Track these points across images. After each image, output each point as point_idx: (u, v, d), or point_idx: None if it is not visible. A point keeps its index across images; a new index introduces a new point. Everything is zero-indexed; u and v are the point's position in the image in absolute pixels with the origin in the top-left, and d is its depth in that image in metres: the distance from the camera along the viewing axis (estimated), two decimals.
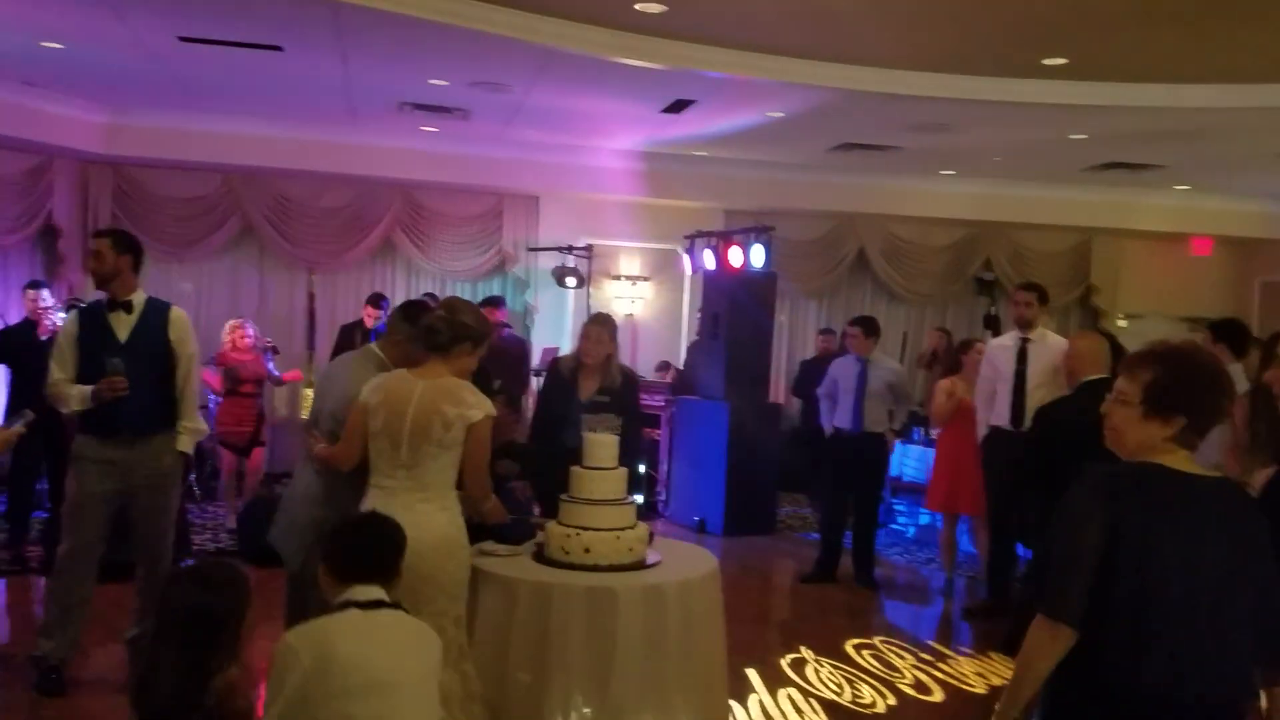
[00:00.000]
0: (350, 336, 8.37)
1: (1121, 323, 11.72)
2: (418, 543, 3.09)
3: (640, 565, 3.77)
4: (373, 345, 3.93)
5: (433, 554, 3.26)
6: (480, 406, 3.37)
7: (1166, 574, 2.11)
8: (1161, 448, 2.20)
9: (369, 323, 8.44)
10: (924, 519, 9.07)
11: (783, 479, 8.84)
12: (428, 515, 3.30)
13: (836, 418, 6.95)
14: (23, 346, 6.52)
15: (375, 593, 2.60)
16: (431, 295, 9.72)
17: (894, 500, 9.19)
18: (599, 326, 5.01)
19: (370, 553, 2.66)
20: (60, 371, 4.33)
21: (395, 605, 2.62)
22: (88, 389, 4.22)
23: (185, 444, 4.50)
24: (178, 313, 4.57)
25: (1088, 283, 11.90)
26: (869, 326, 7.04)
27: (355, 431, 3.44)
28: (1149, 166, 9.51)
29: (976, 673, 5.25)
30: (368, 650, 2.48)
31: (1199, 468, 2.24)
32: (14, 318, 7.69)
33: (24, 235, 9.13)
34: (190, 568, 2.51)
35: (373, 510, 3.01)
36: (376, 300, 8.61)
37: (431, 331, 3.45)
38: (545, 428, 5.04)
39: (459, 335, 3.45)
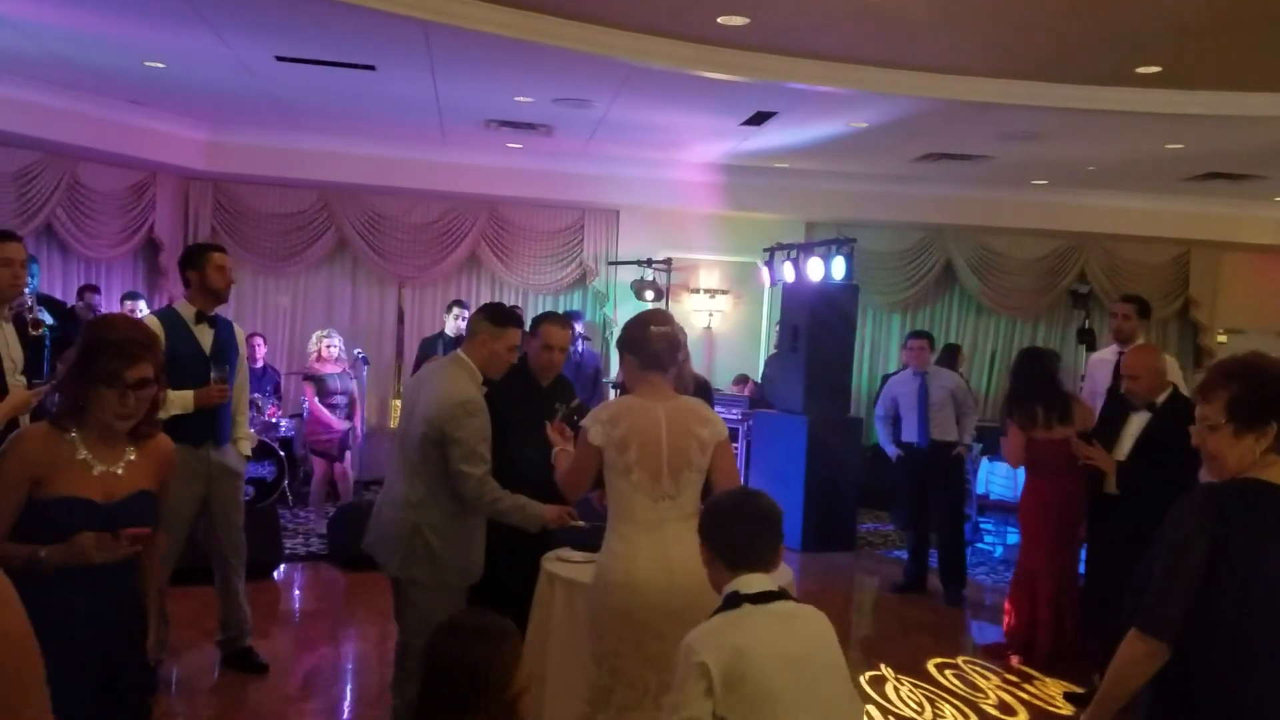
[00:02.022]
0: (433, 348, 8.52)
1: (1221, 338, 11.31)
2: (700, 572, 3.06)
3: None
4: (459, 352, 3.87)
5: (704, 584, 3.24)
6: (721, 421, 3.28)
7: (1271, 593, 2.06)
8: (1262, 461, 2.17)
9: (450, 330, 8.52)
10: (1012, 538, 8.86)
11: (864, 495, 8.74)
12: (695, 546, 3.23)
13: (904, 433, 6.94)
14: None
15: (764, 581, 2.34)
16: (516, 308, 9.87)
17: (980, 518, 9.01)
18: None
19: (763, 537, 2.38)
20: None
21: (783, 593, 2.36)
22: (188, 394, 4.41)
23: (246, 449, 4.92)
24: (238, 328, 5.00)
25: (1186, 296, 11.51)
26: (931, 340, 7.28)
27: (585, 468, 3.20)
28: (1250, 177, 9.17)
29: (1066, 694, 5.11)
30: (779, 649, 2.22)
31: None
32: None
33: (127, 248, 9.53)
34: (455, 621, 2.25)
35: (745, 489, 2.68)
36: (461, 305, 8.70)
37: (675, 348, 3.24)
38: None
39: (682, 346, 3.32)
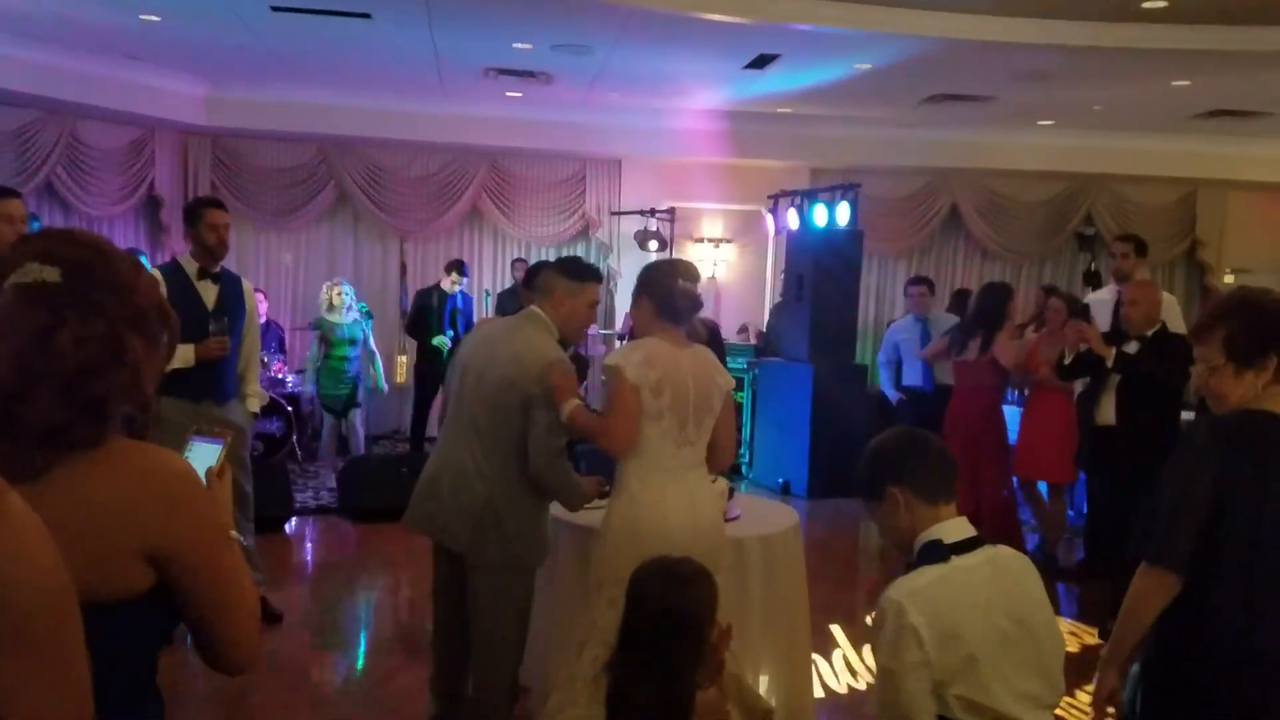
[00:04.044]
0: (428, 300, 8.52)
1: (1228, 278, 11.24)
2: (716, 517, 3.09)
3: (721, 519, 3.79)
4: (535, 309, 3.47)
5: (722, 527, 3.24)
6: (729, 374, 3.29)
7: (1278, 523, 2.08)
8: (1265, 394, 2.18)
9: (447, 287, 8.54)
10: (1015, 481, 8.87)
11: (869, 441, 8.74)
12: (711, 489, 3.22)
13: (906, 378, 6.97)
14: None
15: (964, 526, 2.16)
16: (521, 260, 9.87)
17: None
18: None
19: (944, 459, 2.22)
20: None
21: (978, 539, 2.18)
22: (188, 347, 4.42)
23: (254, 405, 4.89)
24: (248, 285, 4.91)
25: (1193, 236, 11.44)
26: (932, 285, 7.42)
27: (633, 411, 3.04)
28: (1256, 114, 9.07)
29: (1069, 632, 5.16)
30: (991, 603, 2.07)
31: None
32: None
33: (128, 206, 9.50)
34: (656, 564, 2.20)
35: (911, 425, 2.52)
36: (460, 267, 8.70)
37: (696, 307, 3.20)
38: None
39: (702, 304, 3.29)
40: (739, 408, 8.99)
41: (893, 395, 7.14)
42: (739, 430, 8.95)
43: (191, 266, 4.63)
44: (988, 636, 2.04)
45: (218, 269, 4.66)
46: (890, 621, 2.04)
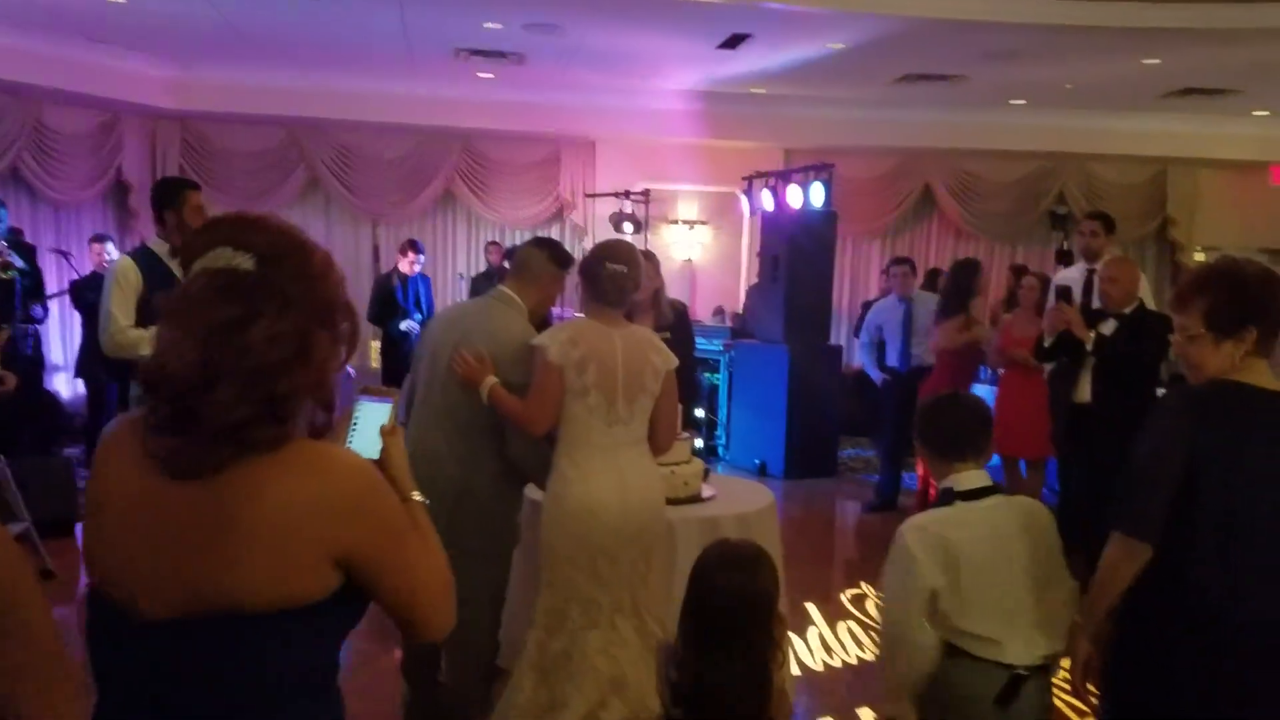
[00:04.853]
0: (388, 284, 8.43)
1: (1199, 255, 11.33)
2: (653, 496, 3.16)
3: (696, 499, 3.79)
4: (506, 290, 3.43)
5: (659, 507, 3.26)
6: (670, 353, 3.28)
7: (1253, 492, 2.08)
8: (1242, 365, 2.18)
9: (406, 269, 8.46)
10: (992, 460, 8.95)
11: (845, 422, 8.80)
12: (649, 469, 3.24)
13: (889, 358, 7.00)
14: (94, 297, 6.75)
15: (978, 478, 2.42)
16: (495, 244, 9.81)
17: None
18: (644, 262, 4.97)
19: (969, 425, 2.47)
20: (125, 319, 4.40)
21: (997, 488, 2.43)
22: None
23: None
24: None
25: (1164, 215, 11.52)
26: (913, 265, 7.41)
27: (551, 392, 3.08)
28: (1226, 92, 9.12)
29: None
30: (987, 534, 2.34)
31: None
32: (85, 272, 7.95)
33: (96, 191, 9.37)
34: (717, 552, 2.23)
35: (955, 391, 2.75)
36: (415, 245, 8.61)
37: (622, 293, 3.21)
38: None
39: (639, 286, 3.31)
40: (715, 390, 9.00)
41: (877, 376, 7.12)
42: (715, 412, 8.98)
43: (163, 248, 4.54)
44: (983, 568, 2.29)
45: None
46: (893, 551, 2.35)
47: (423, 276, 8.61)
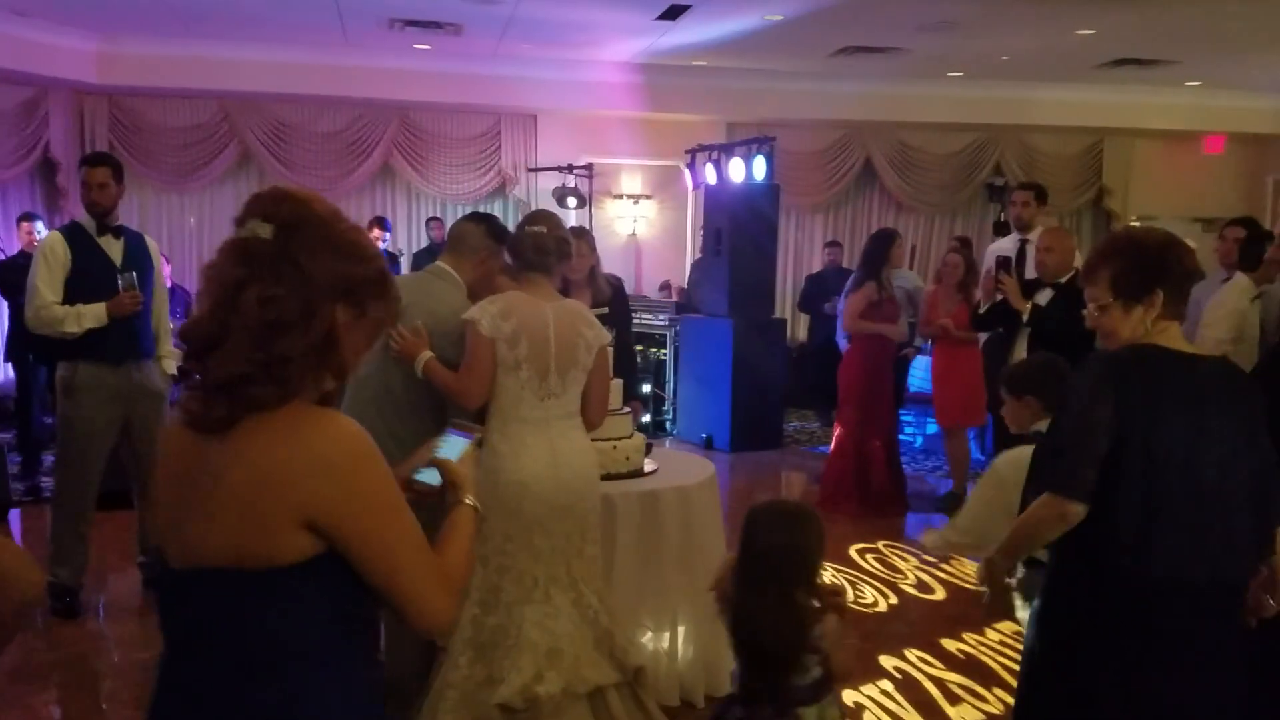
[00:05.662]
0: None
1: (1135, 224, 11.56)
2: (586, 469, 3.13)
3: (637, 474, 3.79)
4: (442, 265, 3.43)
5: (593, 479, 3.22)
6: (603, 328, 3.26)
7: (1173, 452, 2.12)
8: (1154, 330, 2.23)
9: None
10: (931, 429, 9.08)
11: (790, 395, 8.86)
12: (582, 442, 3.21)
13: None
14: (22, 278, 6.55)
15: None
16: (436, 219, 9.69)
17: (901, 411, 9.18)
18: (577, 239, 4.91)
19: (1041, 380, 3.04)
20: (51, 295, 4.32)
21: None
22: (100, 306, 4.26)
23: (170, 366, 4.66)
24: (152, 241, 4.72)
25: (1100, 185, 11.73)
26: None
27: (484, 364, 3.05)
28: (1161, 62, 9.28)
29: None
30: None
31: (1195, 347, 2.31)
32: (13, 252, 7.71)
33: (22, 169, 9.09)
34: (767, 506, 2.46)
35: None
36: (383, 223, 8.53)
37: (543, 252, 3.16)
38: None
39: (565, 252, 3.26)
40: (661, 365, 9.01)
41: (844, 345, 7.12)
42: (663, 387, 8.99)
43: (91, 224, 4.46)
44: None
45: (118, 224, 4.48)
46: (987, 473, 3.05)
47: (388, 254, 8.49)
